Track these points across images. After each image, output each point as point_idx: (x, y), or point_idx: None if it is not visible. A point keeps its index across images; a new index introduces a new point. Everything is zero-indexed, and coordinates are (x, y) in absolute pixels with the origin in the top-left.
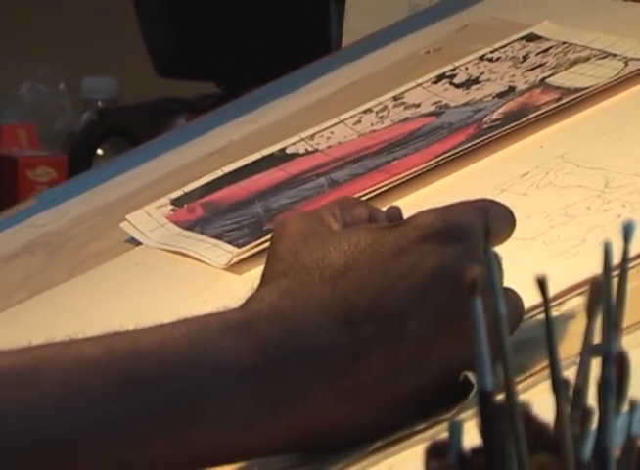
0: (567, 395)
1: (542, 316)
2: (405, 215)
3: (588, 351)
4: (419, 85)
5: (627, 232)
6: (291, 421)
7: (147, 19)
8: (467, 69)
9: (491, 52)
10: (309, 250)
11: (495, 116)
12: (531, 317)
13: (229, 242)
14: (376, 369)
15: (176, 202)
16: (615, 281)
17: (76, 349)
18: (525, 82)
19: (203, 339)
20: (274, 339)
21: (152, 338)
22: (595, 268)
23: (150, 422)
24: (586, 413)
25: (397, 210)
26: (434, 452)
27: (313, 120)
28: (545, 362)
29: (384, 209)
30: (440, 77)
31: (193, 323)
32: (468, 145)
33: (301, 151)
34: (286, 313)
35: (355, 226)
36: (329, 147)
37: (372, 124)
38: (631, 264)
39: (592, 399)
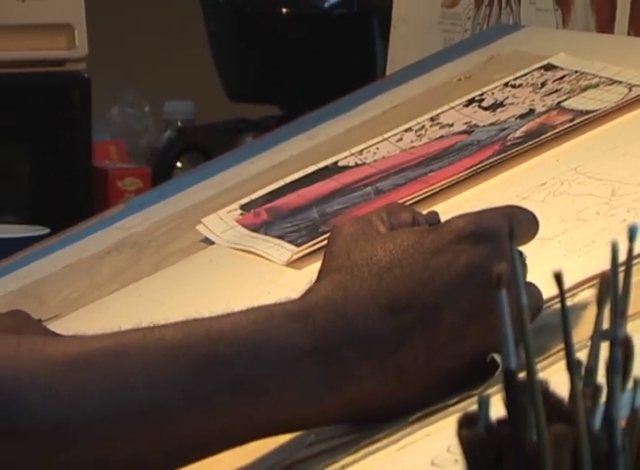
0: (579, 373)
1: (558, 306)
2: (441, 219)
3: (598, 335)
4: (452, 108)
5: (632, 234)
6: (342, 397)
7: (220, 51)
8: (493, 94)
9: (514, 80)
10: (360, 249)
11: (517, 134)
12: (549, 307)
13: (289, 242)
14: (416, 352)
15: (244, 207)
16: (621, 276)
17: (159, 333)
18: (544, 105)
19: (267, 325)
20: (329, 326)
21: (224, 324)
22: (604, 265)
23: (222, 397)
24: (596, 389)
25: (436, 214)
26: (466, 422)
27: (361, 138)
28: (561, 345)
29: (424, 213)
30: (470, 101)
31: (259, 312)
32: (494, 159)
33: (351, 164)
34: (339, 304)
35: (399, 229)
36: (375, 161)
37: (412, 141)
38: (635, 261)
39: (601, 377)
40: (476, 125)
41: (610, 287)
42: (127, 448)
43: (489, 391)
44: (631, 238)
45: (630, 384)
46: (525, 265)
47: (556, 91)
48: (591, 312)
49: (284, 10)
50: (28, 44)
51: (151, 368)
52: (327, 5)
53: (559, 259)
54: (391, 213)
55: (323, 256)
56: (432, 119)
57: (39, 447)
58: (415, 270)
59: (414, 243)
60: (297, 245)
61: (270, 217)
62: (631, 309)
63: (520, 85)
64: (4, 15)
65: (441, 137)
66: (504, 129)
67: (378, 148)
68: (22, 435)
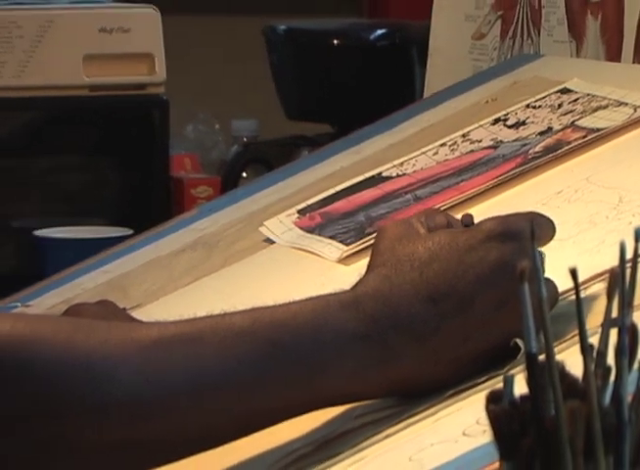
0: (592, 356)
1: (573, 297)
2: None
3: (608, 323)
4: (480, 126)
5: (638, 235)
6: (387, 375)
7: (280, 77)
8: (516, 114)
9: (534, 102)
10: (403, 247)
11: (537, 149)
12: (565, 298)
13: (340, 241)
14: (451, 337)
15: (301, 212)
16: (628, 271)
17: (229, 320)
18: (560, 124)
19: (323, 313)
20: (377, 313)
21: (285, 312)
22: (613, 262)
23: (285, 375)
24: (606, 370)
25: (470, 216)
26: (493, 399)
27: (402, 152)
28: (575, 332)
29: (458, 217)
30: (496, 120)
31: (316, 301)
32: (517, 170)
33: (393, 174)
34: (385, 294)
35: (437, 229)
36: (414, 172)
37: (446, 155)
38: None
39: (610, 359)
40: (501, 141)
41: (618, 281)
42: (201, 419)
43: (513, 371)
44: (637, 238)
45: (636, 365)
46: (543, 263)
47: (571, 112)
48: (602, 303)
49: (335, 42)
50: (115, 71)
51: (222, 350)
52: (372, 38)
53: (573, 257)
54: (428, 217)
55: (370, 253)
56: (463, 136)
57: (126, 418)
58: (451, 265)
59: (450, 241)
60: (347, 244)
61: (323, 220)
62: (637, 300)
63: (539, 106)
64: (94, 46)
65: (471, 151)
66: (525, 145)
67: (416, 161)
68: (112, 408)
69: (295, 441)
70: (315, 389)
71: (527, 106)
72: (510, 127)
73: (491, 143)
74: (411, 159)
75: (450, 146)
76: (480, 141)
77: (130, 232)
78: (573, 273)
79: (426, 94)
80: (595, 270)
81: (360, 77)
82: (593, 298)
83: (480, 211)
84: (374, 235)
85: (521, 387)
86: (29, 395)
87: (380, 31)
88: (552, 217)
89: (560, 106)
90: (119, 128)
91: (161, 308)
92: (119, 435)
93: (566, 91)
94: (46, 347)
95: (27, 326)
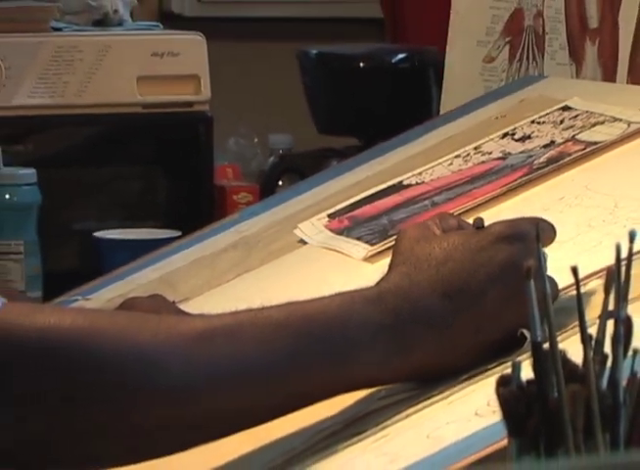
0: (590, 345)
1: (574, 292)
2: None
3: (605, 315)
4: (491, 139)
5: (632, 237)
6: (408, 362)
7: (312, 95)
8: (523, 129)
9: (539, 118)
10: (421, 247)
11: (541, 160)
12: (566, 293)
13: (366, 242)
14: (465, 328)
15: (331, 215)
16: (623, 269)
17: (267, 313)
18: (562, 138)
19: (350, 307)
20: (398, 308)
21: (316, 306)
22: (609, 261)
23: (316, 364)
24: (604, 357)
25: (481, 220)
26: (502, 382)
27: (421, 163)
28: (576, 323)
29: (470, 220)
30: (505, 134)
31: (343, 296)
32: (523, 179)
33: (413, 183)
34: (405, 290)
35: (451, 231)
36: (431, 180)
37: (460, 165)
38: (634, 258)
39: (607, 348)
40: (509, 153)
41: (614, 278)
42: (241, 403)
43: (520, 358)
44: (631, 240)
45: (630, 353)
46: (546, 262)
47: (571, 127)
48: (599, 298)
49: (361, 64)
50: (165, 90)
51: (260, 341)
52: (394, 61)
53: (574, 257)
54: (443, 220)
55: (392, 252)
56: (475, 149)
57: (175, 402)
58: (464, 264)
59: (463, 242)
60: (372, 245)
61: (351, 223)
62: (631, 295)
63: (543, 122)
64: (147, 68)
65: (483, 162)
66: (531, 156)
67: (433, 170)
68: (162, 393)
69: (326, 419)
70: (343, 375)
71: (533, 122)
72: (517, 141)
73: (500, 155)
74: (429, 169)
75: (464, 157)
76: (491, 153)
77: (179, 234)
78: (574, 271)
79: (442, 111)
80: (593, 268)
81: (383, 96)
82: (592, 293)
83: (490, 216)
84: (395, 236)
85: (527, 372)
86: (89, 382)
87: (401, 55)
88: (554, 221)
89: (562, 122)
90: (169, 142)
91: (206, 302)
92: (168, 417)
93: (567, 108)
94: (103, 338)
95: (87, 320)
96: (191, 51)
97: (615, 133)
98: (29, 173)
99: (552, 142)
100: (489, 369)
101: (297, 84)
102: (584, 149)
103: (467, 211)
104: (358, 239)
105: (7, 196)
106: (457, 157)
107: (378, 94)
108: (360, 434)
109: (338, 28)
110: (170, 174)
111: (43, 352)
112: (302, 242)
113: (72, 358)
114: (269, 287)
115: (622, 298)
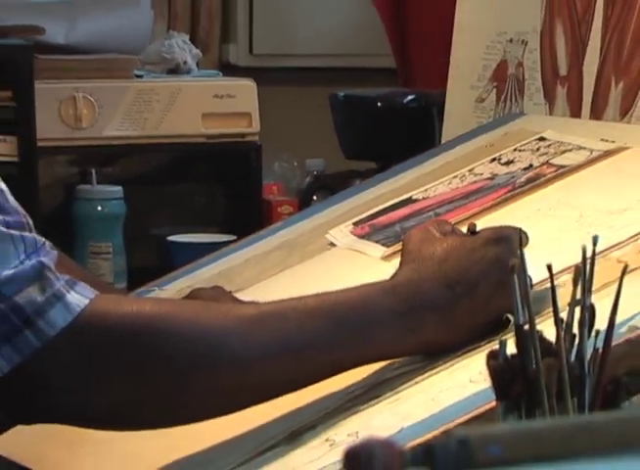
0: (562, 327)
1: (548, 285)
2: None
3: (574, 303)
4: (482, 163)
5: (594, 241)
6: (417, 340)
7: (340, 128)
8: (507, 155)
9: (520, 146)
10: (425, 247)
11: (522, 180)
12: (542, 285)
13: (383, 244)
14: (463, 312)
15: (355, 223)
16: (588, 266)
17: (304, 302)
18: (538, 162)
19: (371, 297)
20: (409, 297)
21: (344, 296)
22: (577, 259)
23: (344, 341)
24: (572, 337)
25: (475, 225)
26: (492, 356)
27: (426, 182)
28: (550, 309)
29: (465, 227)
30: (493, 159)
31: (365, 288)
32: (508, 195)
33: (420, 198)
34: (415, 282)
35: (448, 235)
36: (434, 195)
37: (457, 184)
38: (596, 257)
39: (576, 329)
40: (496, 174)
41: (581, 273)
42: (285, 374)
43: (506, 337)
44: (594, 243)
45: (593, 333)
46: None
47: (546, 153)
48: (569, 289)
49: (379, 104)
50: (224, 125)
51: (300, 324)
52: (405, 101)
53: (548, 256)
54: (439, 225)
55: (401, 252)
56: (469, 171)
57: (233, 372)
58: (461, 261)
59: (460, 244)
60: (387, 246)
61: (371, 230)
62: (594, 287)
63: (523, 150)
64: (209, 107)
65: (475, 181)
66: (514, 177)
67: (436, 188)
68: (223, 365)
69: (351, 386)
70: (365, 350)
71: (515, 149)
72: (503, 164)
73: (489, 175)
74: (432, 186)
75: (460, 178)
76: (482, 174)
77: (234, 238)
78: (549, 268)
79: (443, 141)
80: (564, 266)
81: (396, 129)
82: (562, 285)
83: (482, 224)
84: (403, 238)
85: (511, 348)
86: (165, 358)
87: (410, 97)
88: (533, 228)
89: (538, 149)
90: (227, 165)
91: (257, 292)
92: (228, 384)
93: (542, 139)
94: (177, 321)
95: (163, 307)
96: (244, 94)
97: (580, 159)
98: (117, 190)
99: (530, 166)
100: (481, 346)
101: (329, 120)
102: (557, 171)
103: (463, 220)
104: (376, 242)
105: (99, 208)
106: (455, 177)
107: (392, 128)
108: (378, 397)
109: (360, 76)
110: (228, 191)
111: (128, 333)
112: (332, 244)
113: (152, 337)
114: (306, 280)
115: (588, 289)
